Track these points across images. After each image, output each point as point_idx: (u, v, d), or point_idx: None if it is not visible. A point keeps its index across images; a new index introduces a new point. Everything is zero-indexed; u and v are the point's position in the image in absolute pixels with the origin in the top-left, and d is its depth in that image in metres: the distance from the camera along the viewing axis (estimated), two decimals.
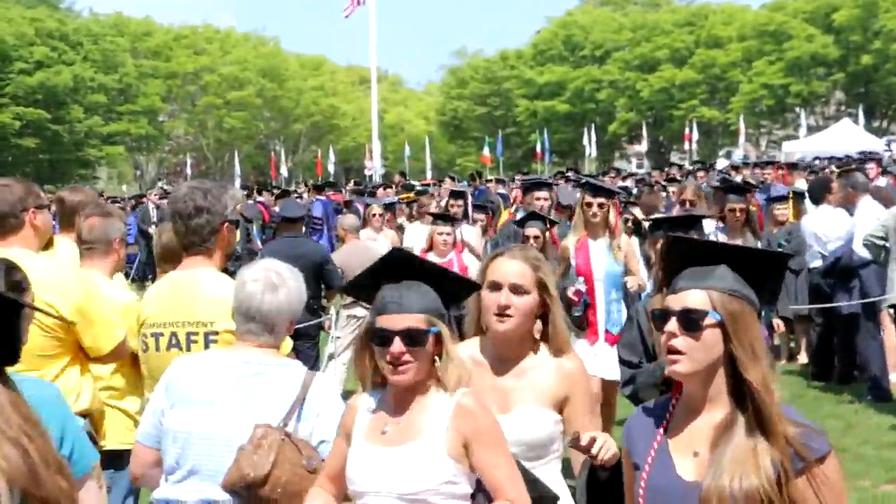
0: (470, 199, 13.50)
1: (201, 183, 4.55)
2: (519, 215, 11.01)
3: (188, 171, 54.83)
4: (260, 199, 24.43)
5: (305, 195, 26.52)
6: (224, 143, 65.25)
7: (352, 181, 33.89)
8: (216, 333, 4.21)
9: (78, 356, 4.78)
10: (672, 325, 2.64)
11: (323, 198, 22.51)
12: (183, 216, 4.36)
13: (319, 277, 10.41)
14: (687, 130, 48.04)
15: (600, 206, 7.94)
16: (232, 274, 4.31)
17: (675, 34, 61.48)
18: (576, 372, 3.79)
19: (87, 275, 5.02)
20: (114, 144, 58.47)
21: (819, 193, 11.53)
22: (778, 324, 10.86)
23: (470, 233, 11.80)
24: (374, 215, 13.67)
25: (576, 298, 7.79)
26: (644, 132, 53.11)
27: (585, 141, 48.98)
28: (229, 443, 3.48)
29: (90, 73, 56.46)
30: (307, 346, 10.21)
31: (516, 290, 3.69)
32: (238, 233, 5.37)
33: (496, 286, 3.70)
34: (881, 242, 9.63)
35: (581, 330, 7.87)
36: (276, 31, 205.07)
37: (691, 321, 2.61)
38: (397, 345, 3.08)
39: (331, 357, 11.25)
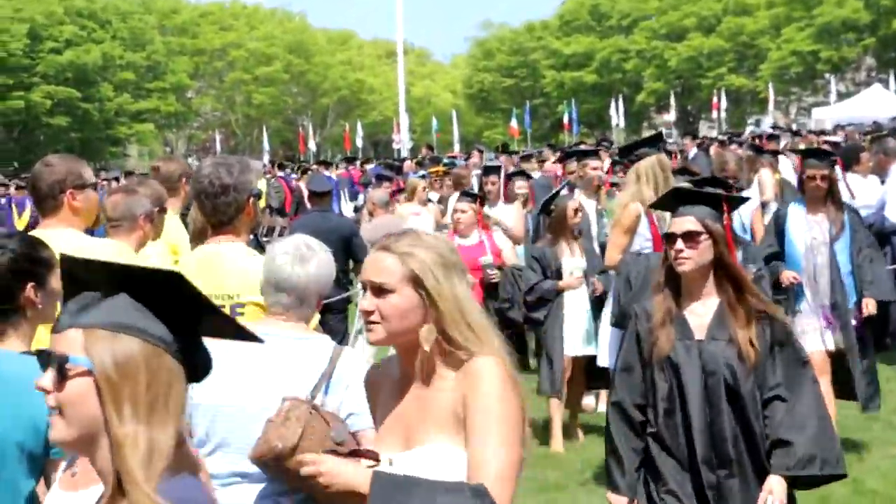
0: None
1: (224, 159, 4.52)
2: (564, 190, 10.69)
3: (217, 147, 55.02)
4: (281, 174, 24.45)
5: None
6: (252, 118, 65.43)
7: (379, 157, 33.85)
8: (242, 305, 4.22)
9: None
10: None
11: (328, 173, 22.96)
12: (209, 195, 4.35)
13: (348, 251, 10.53)
14: (715, 99, 47.76)
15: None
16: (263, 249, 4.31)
17: (703, 2, 60.89)
18: (475, 371, 2.75)
19: (115, 250, 4.89)
20: (143, 122, 58.70)
21: (849, 161, 11.44)
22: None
23: (508, 212, 10.82)
24: (420, 188, 13.28)
25: None
26: (672, 101, 52.82)
27: (613, 111, 48.80)
28: (257, 415, 3.48)
29: (119, 50, 56.67)
30: (336, 319, 10.30)
31: (378, 291, 2.78)
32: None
33: (364, 287, 2.89)
34: None
35: None
36: (303, 5, 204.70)
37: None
38: None
39: (360, 331, 11.35)
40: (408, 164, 24.37)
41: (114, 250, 4.67)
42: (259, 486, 3.57)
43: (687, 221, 4.25)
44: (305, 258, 3.72)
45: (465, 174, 14.43)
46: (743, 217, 8.60)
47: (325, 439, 3.42)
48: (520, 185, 11.67)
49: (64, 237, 4.44)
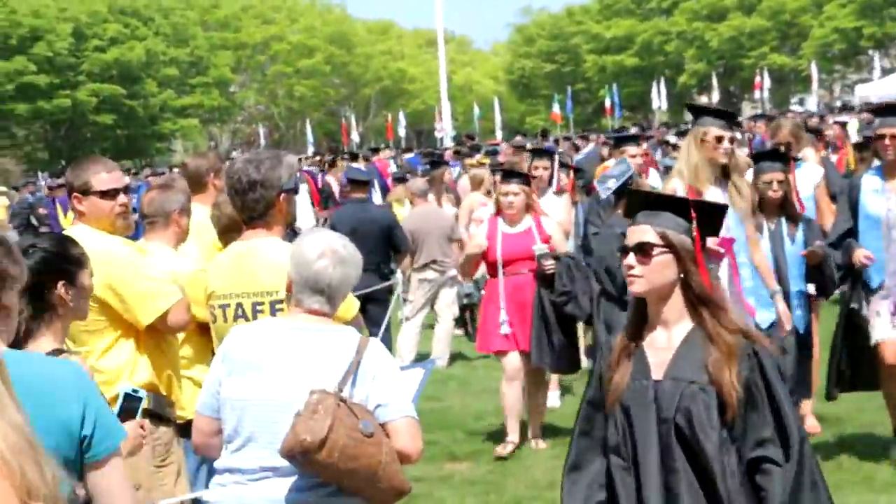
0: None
1: (256, 155, 4.55)
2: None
3: (261, 140, 55.28)
4: (307, 169, 24.17)
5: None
6: (295, 111, 65.56)
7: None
8: (281, 301, 4.25)
9: (131, 330, 4.76)
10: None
11: (358, 165, 23.00)
12: (238, 191, 4.39)
13: (388, 241, 10.63)
14: (758, 79, 47.25)
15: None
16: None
17: None
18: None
19: (127, 250, 4.92)
20: (187, 117, 58.93)
21: None
22: None
23: (557, 204, 9.67)
24: (487, 179, 12.31)
25: (721, 249, 6.16)
26: (714, 83, 52.32)
27: (655, 94, 48.47)
28: (286, 409, 3.50)
29: (162, 47, 56.93)
30: (378, 310, 10.43)
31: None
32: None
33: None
34: None
35: None
36: None
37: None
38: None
39: (405, 320, 11.48)
40: (447, 155, 24.36)
41: (105, 257, 4.59)
42: (289, 480, 3.60)
43: (641, 231, 3.39)
44: (345, 260, 3.74)
45: (517, 160, 13.24)
46: (806, 191, 7.92)
47: (353, 431, 3.46)
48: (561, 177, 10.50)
49: (80, 235, 4.43)
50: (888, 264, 6.70)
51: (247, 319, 4.27)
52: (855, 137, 15.63)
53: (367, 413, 3.58)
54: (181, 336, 5.21)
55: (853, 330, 6.93)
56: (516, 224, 8.15)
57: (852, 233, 6.87)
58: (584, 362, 9.65)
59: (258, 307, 4.30)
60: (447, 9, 61.39)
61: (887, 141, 6.70)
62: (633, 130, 24.55)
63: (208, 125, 65.57)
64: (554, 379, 9.35)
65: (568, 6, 68.79)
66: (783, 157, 7.29)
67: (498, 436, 8.43)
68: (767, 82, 47.38)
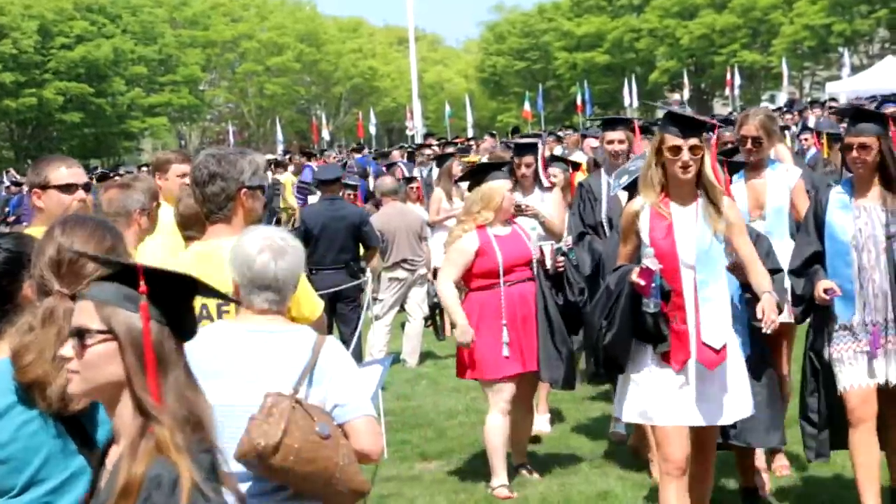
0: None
1: (218, 149, 4.51)
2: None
3: (231, 139, 55.04)
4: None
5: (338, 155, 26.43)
6: (265, 109, 65.41)
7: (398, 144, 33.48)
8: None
9: None
10: None
11: (312, 164, 23.01)
12: (199, 183, 4.34)
13: (358, 239, 10.51)
14: (729, 76, 47.41)
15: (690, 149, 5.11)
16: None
17: None
18: None
19: None
20: (156, 116, 58.70)
21: None
22: None
23: (546, 201, 8.38)
24: (524, 175, 11.15)
25: (642, 281, 4.99)
26: (685, 80, 52.49)
27: (626, 91, 48.54)
28: (243, 414, 3.44)
29: (130, 45, 56.63)
30: (349, 308, 10.32)
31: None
32: None
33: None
34: None
35: (661, 343, 5.10)
36: None
37: None
38: None
39: (375, 318, 11.35)
40: (395, 154, 24.22)
41: None
42: (244, 486, 3.47)
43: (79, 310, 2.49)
44: (283, 251, 3.65)
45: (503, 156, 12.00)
46: (780, 199, 6.60)
47: (309, 434, 3.39)
48: (554, 174, 9.36)
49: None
50: (858, 296, 5.60)
51: (211, 320, 4.18)
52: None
53: (324, 414, 3.50)
54: None
55: (822, 376, 5.75)
56: (507, 225, 7.11)
57: (819, 257, 5.71)
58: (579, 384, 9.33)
59: (223, 307, 4.20)
60: (418, 6, 61.27)
61: (855, 152, 5.62)
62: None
63: (177, 124, 65.31)
64: (543, 400, 8.39)
65: (539, 4, 68.99)
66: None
67: (468, 435, 8.29)
68: (738, 80, 47.52)
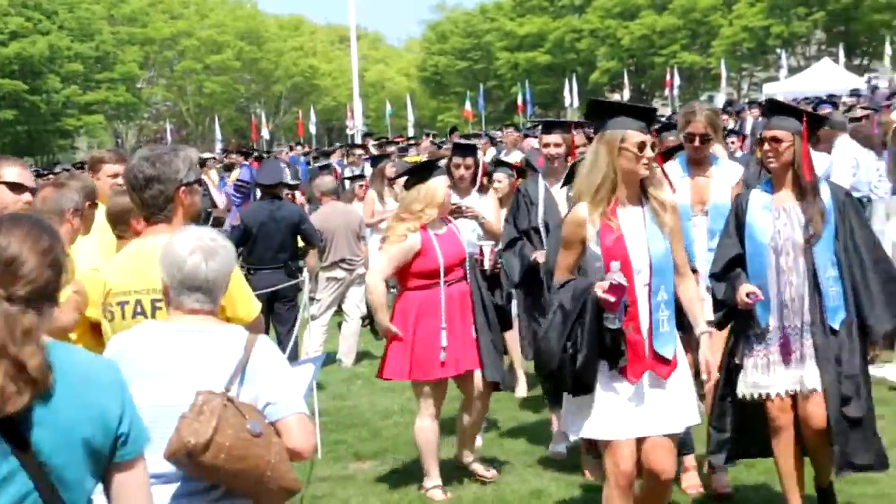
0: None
1: (151, 150, 4.48)
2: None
3: (168, 137, 54.57)
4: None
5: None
6: (204, 107, 64.97)
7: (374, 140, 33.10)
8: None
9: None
10: None
11: (248, 163, 23.07)
12: (136, 188, 4.33)
13: (296, 239, 10.41)
14: (668, 77, 47.87)
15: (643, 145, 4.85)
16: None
17: None
18: None
19: None
20: (92, 113, 58.13)
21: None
22: None
23: (482, 204, 8.12)
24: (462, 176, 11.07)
25: (612, 297, 4.67)
26: (626, 80, 52.89)
27: (567, 91, 48.79)
28: (174, 413, 3.43)
29: (66, 41, 56.02)
30: (286, 308, 10.21)
31: None
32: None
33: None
34: None
35: (620, 358, 4.82)
36: None
37: None
38: None
39: (311, 318, 11.24)
40: (336, 154, 24.16)
41: None
42: (175, 486, 3.49)
43: None
44: (214, 252, 3.63)
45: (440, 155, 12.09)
46: (723, 195, 6.41)
47: (240, 431, 3.37)
48: (499, 178, 9.13)
49: None
50: (775, 300, 5.45)
51: (145, 317, 4.22)
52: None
53: (256, 412, 3.49)
54: (74, 336, 4.96)
55: (736, 382, 5.59)
56: (443, 223, 6.94)
57: (741, 259, 5.53)
58: (524, 388, 9.29)
59: (157, 304, 4.21)
60: (360, 4, 61.07)
61: (767, 146, 5.43)
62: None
63: (114, 122, 64.67)
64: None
65: (481, 4, 69.31)
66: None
67: (403, 435, 8.21)
68: (677, 80, 48.00)
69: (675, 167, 6.34)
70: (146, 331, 3.69)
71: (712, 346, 5.05)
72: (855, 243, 5.42)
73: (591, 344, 4.69)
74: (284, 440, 3.51)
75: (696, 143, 6.36)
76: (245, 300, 4.23)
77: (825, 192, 5.46)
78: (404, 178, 7.23)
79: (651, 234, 4.84)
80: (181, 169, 4.33)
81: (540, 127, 8.60)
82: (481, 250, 7.14)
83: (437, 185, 6.85)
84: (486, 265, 7.08)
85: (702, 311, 5.13)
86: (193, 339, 3.57)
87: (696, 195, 6.40)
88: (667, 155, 6.22)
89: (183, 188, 4.33)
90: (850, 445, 5.35)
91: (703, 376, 5.04)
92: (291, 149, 28.34)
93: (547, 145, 7.51)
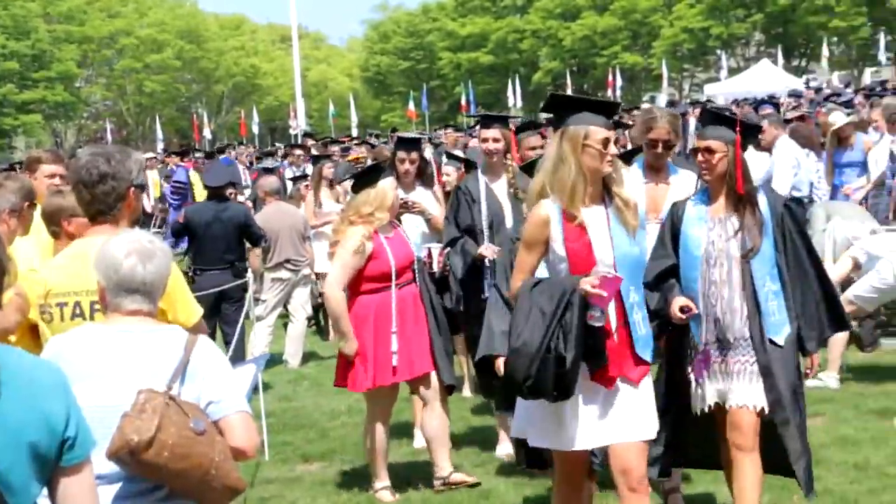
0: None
1: (103, 148, 4.45)
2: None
3: (108, 137, 53.95)
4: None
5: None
6: (145, 107, 64.32)
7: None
8: None
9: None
10: None
11: (185, 164, 23.09)
12: (87, 184, 4.27)
13: (242, 239, 10.34)
14: (610, 77, 48.20)
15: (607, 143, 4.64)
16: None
17: None
18: None
19: None
20: (30, 113, 57.33)
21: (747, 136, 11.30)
22: None
23: (426, 198, 8.16)
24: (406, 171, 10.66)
25: (605, 292, 4.47)
26: (568, 81, 53.18)
27: (510, 91, 48.96)
28: (116, 414, 3.39)
29: (1, 39, 55.21)
30: (233, 309, 10.11)
31: None
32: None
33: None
34: None
35: (599, 360, 4.58)
36: None
37: None
38: None
39: (257, 319, 11.15)
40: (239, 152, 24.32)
41: None
42: (117, 487, 3.46)
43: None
44: (151, 254, 3.61)
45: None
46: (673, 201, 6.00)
47: (183, 430, 3.35)
48: (447, 172, 9.03)
49: None
50: (706, 313, 5.23)
51: (84, 318, 4.20)
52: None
53: (199, 411, 3.47)
54: (13, 339, 4.88)
55: (672, 395, 5.41)
56: (391, 226, 6.85)
57: (675, 270, 5.35)
58: (468, 391, 9.21)
59: (95, 306, 4.14)
60: (301, 4, 61.18)
61: (700, 156, 5.24)
62: None
63: (52, 121, 63.73)
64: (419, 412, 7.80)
65: (424, 3, 69.28)
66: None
67: (350, 436, 8.18)
68: (619, 81, 48.36)
69: (635, 172, 6.11)
70: (84, 333, 3.66)
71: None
72: (796, 256, 5.24)
73: (578, 344, 4.42)
74: (227, 439, 3.50)
75: (659, 149, 6.07)
76: (186, 304, 4.21)
77: (763, 203, 5.25)
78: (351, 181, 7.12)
79: (616, 233, 4.62)
80: (133, 170, 4.32)
81: (479, 122, 8.34)
82: (429, 252, 6.98)
83: (387, 188, 6.78)
84: (435, 268, 6.93)
85: None
86: (133, 340, 3.55)
87: (652, 203, 6.03)
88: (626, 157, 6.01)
89: (133, 189, 4.32)
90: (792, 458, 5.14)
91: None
92: (220, 151, 28.20)
93: (486, 140, 7.24)
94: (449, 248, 7.17)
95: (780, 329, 5.16)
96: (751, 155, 10.89)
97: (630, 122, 14.97)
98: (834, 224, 9.56)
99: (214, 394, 3.53)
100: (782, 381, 5.12)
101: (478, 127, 8.51)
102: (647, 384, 4.73)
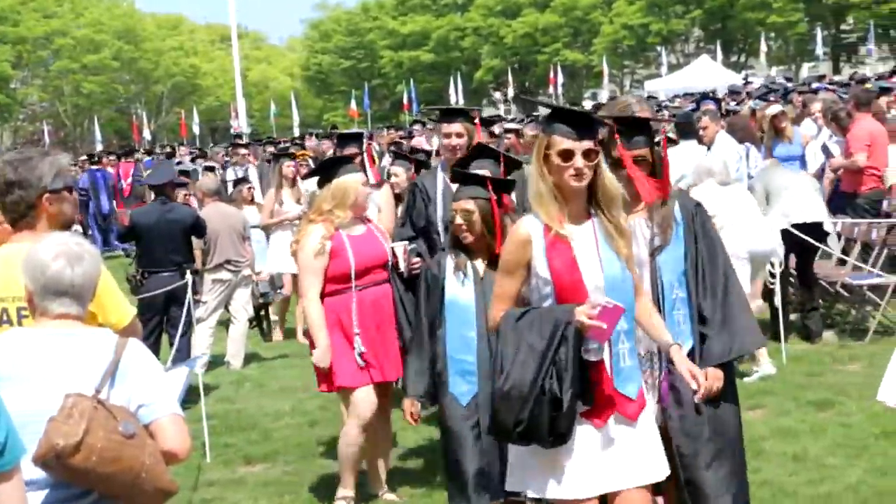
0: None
1: (18, 154, 4.34)
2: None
3: (46, 139, 53.22)
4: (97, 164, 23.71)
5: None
6: (82, 108, 63.52)
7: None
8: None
9: None
10: None
11: (93, 167, 23.01)
12: None
13: (189, 238, 10.23)
14: (552, 74, 48.42)
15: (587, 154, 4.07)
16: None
17: None
18: None
19: None
20: None
21: (685, 131, 11.30)
22: None
23: (377, 198, 7.77)
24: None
25: (604, 324, 3.94)
26: (510, 78, 53.33)
27: (452, 89, 49.01)
28: (43, 418, 3.33)
29: None
30: (179, 311, 9.93)
31: None
32: None
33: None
34: None
35: (587, 398, 4.07)
36: None
37: None
38: None
39: (198, 321, 11.02)
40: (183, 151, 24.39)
41: None
42: (41, 494, 3.38)
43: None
44: (80, 257, 3.56)
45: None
46: None
47: (112, 433, 3.31)
48: (396, 172, 8.49)
49: None
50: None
51: (11, 324, 4.08)
52: None
53: (129, 414, 3.43)
54: None
55: None
56: (360, 223, 6.48)
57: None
58: None
59: (22, 312, 4.06)
60: (240, 4, 60.74)
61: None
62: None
63: None
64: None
65: (363, 2, 69.12)
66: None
67: (294, 437, 8.09)
68: (561, 78, 48.60)
69: (692, 146, 5.29)
70: (10, 337, 3.60)
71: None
72: (707, 262, 4.77)
73: (575, 383, 3.96)
74: (159, 441, 3.47)
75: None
76: (116, 305, 4.15)
77: (675, 204, 4.78)
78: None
79: (605, 255, 4.11)
80: (45, 175, 4.18)
81: (437, 117, 7.64)
82: (393, 252, 6.47)
83: (348, 184, 6.36)
84: (402, 267, 6.42)
85: (662, 324, 4.46)
86: (61, 343, 3.50)
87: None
88: None
89: (47, 195, 4.18)
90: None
91: (693, 385, 4.36)
92: (148, 152, 28.19)
93: (448, 136, 6.64)
94: (413, 245, 6.63)
95: (685, 343, 4.63)
96: (691, 149, 11.00)
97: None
98: (771, 214, 9.68)
99: (145, 397, 3.49)
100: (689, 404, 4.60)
101: (418, 126, 8.31)
102: (647, 420, 4.24)
